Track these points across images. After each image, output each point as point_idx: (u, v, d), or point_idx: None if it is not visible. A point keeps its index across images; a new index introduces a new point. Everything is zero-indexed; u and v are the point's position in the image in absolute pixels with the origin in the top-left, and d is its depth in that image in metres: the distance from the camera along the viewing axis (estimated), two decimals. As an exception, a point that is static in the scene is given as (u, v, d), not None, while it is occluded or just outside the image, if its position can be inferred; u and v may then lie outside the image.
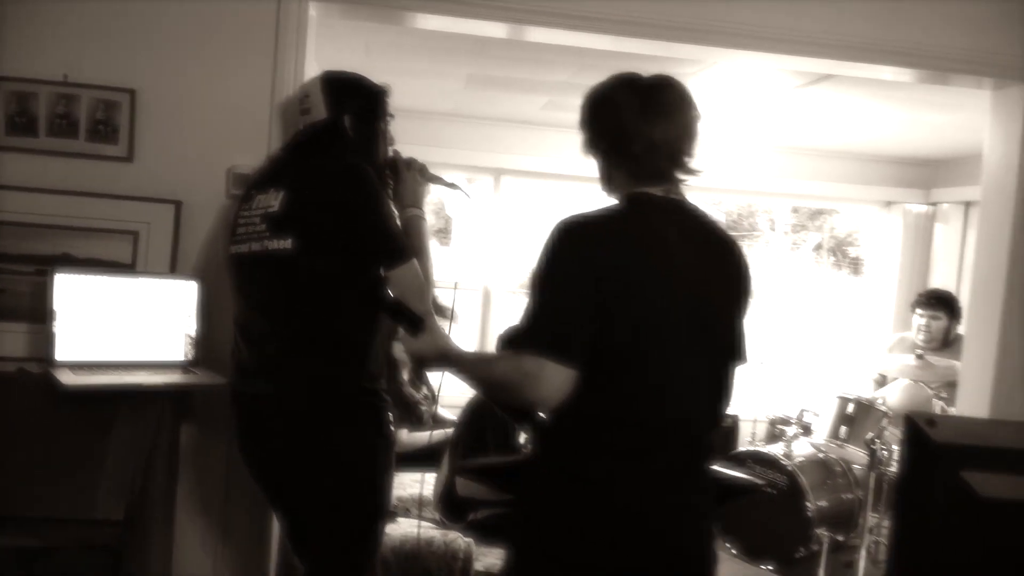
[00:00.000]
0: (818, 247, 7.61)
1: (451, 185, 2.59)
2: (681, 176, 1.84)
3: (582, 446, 1.74)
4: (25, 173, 2.53)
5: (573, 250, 1.70)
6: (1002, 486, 1.13)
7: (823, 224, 7.56)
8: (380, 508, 2.32)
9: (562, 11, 2.82)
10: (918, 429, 1.15)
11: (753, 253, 7.35)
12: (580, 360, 1.65)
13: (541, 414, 1.79)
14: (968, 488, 1.10)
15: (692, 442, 1.81)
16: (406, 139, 2.59)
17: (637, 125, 1.80)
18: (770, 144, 5.78)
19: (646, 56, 3.25)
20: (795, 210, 7.39)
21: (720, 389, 1.85)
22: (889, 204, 6.20)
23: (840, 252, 7.53)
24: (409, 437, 4.68)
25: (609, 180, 1.89)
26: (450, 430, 4.36)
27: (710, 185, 5.64)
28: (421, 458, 4.38)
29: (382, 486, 2.30)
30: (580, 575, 1.72)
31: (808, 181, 6.03)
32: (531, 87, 4.36)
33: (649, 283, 1.72)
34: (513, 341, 1.72)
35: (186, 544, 2.67)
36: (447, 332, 2.05)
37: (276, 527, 2.80)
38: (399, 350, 4.38)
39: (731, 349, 1.86)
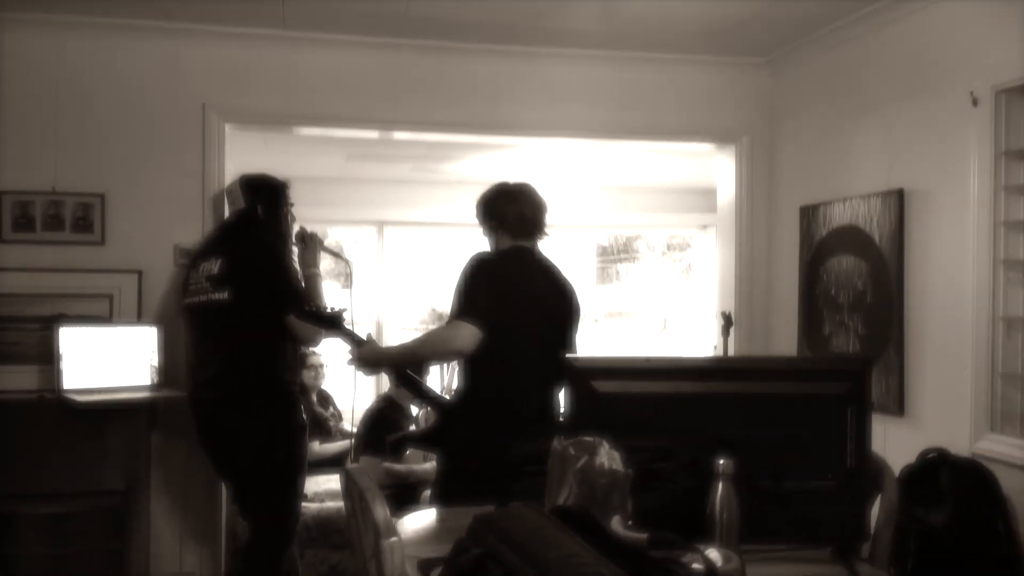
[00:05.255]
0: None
1: (336, 254, 3.77)
2: (536, 237, 3.04)
3: (478, 392, 2.85)
4: (28, 258, 3.57)
5: (479, 270, 2.87)
6: (611, 387, 2.28)
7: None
8: (299, 468, 3.40)
9: (413, 118, 4.04)
10: (571, 362, 2.32)
11: (634, 272, 8.68)
12: (482, 324, 2.73)
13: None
14: (593, 388, 2.25)
15: (538, 397, 2.87)
16: (304, 201, 3.69)
17: (510, 208, 3.00)
18: (603, 186, 7.10)
19: (473, 144, 4.50)
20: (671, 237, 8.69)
21: (555, 370, 2.73)
22: (705, 227, 7.61)
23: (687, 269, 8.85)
24: (320, 448, 5.71)
25: (497, 242, 3.06)
26: (351, 441, 5.41)
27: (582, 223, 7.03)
28: (330, 463, 5.42)
29: (300, 453, 3.39)
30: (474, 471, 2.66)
31: (646, 214, 7.45)
32: (396, 158, 5.56)
33: (515, 297, 2.86)
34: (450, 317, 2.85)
35: (159, 514, 3.70)
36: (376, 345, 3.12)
37: (224, 504, 3.83)
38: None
39: (563, 346, 2.97)
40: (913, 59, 3.40)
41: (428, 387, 3.15)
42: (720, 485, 1.95)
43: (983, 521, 2.80)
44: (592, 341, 7.84)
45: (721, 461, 1.96)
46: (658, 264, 8.94)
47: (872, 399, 3.43)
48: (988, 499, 2.81)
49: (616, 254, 8.88)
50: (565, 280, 3.09)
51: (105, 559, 3.31)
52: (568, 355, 2.93)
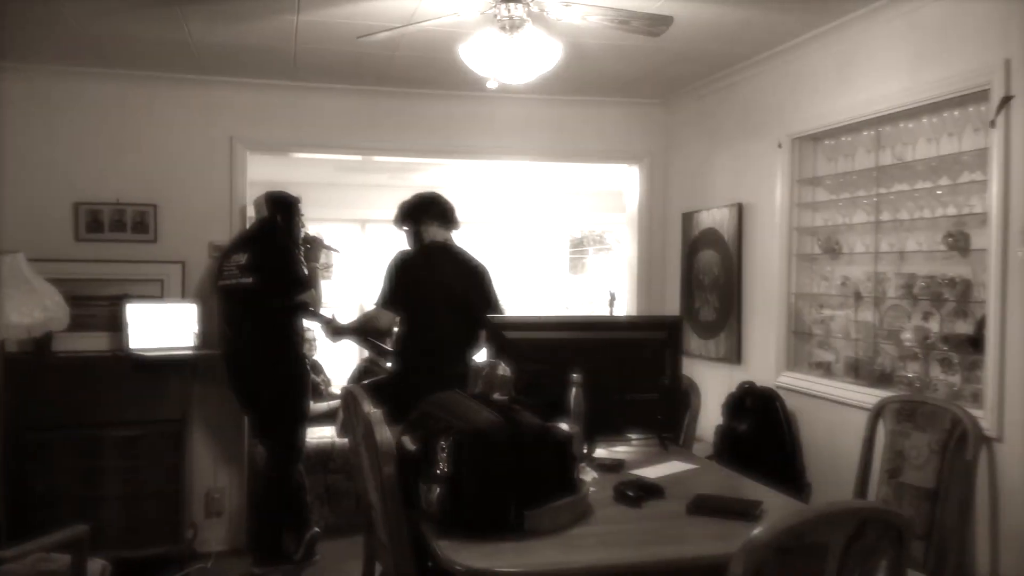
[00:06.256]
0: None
1: (335, 249, 5.00)
2: (448, 231, 4.25)
3: (405, 355, 4.12)
4: (98, 253, 4.76)
5: (396, 266, 4.12)
6: (515, 335, 3.54)
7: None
8: (306, 406, 4.64)
9: (389, 146, 5.26)
10: (488, 321, 3.57)
11: (603, 259, 9.93)
12: (395, 309, 4.01)
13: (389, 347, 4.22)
14: (503, 336, 3.51)
15: (451, 353, 4.15)
16: (305, 201, 4.89)
17: (423, 213, 4.23)
18: (557, 189, 8.36)
19: (431, 163, 5.73)
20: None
21: (470, 331, 4.10)
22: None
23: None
24: (314, 406, 6.92)
25: (416, 238, 4.27)
26: (338, 401, 6.63)
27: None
28: (322, 418, 6.63)
29: (307, 395, 4.64)
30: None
31: (595, 213, 8.75)
32: (376, 169, 6.79)
33: (425, 282, 4.12)
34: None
35: (198, 441, 4.93)
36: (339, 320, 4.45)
37: (246, 436, 5.05)
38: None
39: (476, 312, 4.05)
40: (747, 111, 4.69)
41: (382, 346, 4.46)
42: (573, 389, 3.17)
43: (773, 430, 4.10)
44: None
45: (574, 375, 3.18)
46: (615, 254, 10.18)
47: (716, 353, 4.74)
48: (777, 415, 4.11)
49: (589, 245, 10.10)
50: (473, 262, 4.21)
51: (166, 470, 4.54)
52: (488, 315, 4.17)
